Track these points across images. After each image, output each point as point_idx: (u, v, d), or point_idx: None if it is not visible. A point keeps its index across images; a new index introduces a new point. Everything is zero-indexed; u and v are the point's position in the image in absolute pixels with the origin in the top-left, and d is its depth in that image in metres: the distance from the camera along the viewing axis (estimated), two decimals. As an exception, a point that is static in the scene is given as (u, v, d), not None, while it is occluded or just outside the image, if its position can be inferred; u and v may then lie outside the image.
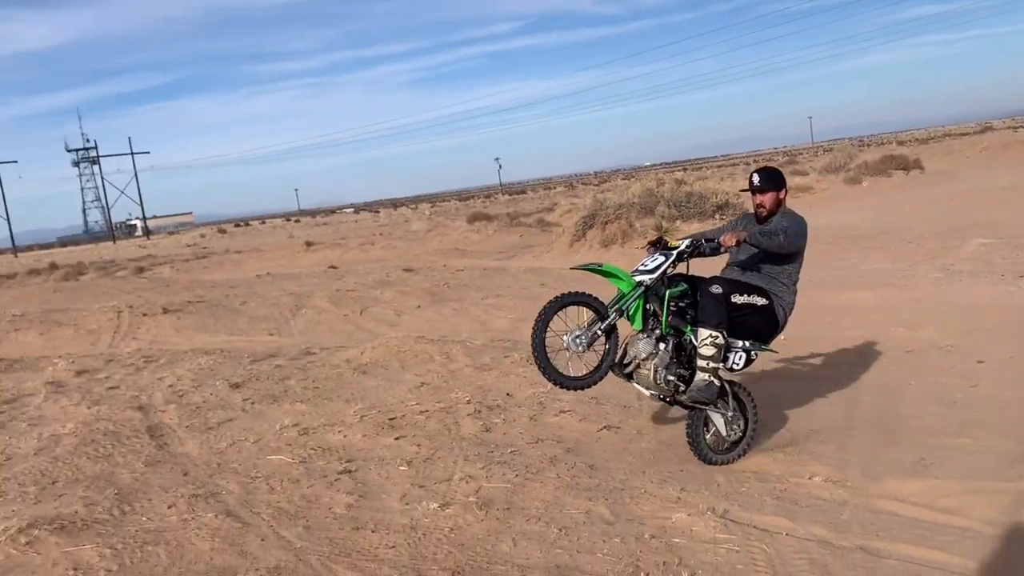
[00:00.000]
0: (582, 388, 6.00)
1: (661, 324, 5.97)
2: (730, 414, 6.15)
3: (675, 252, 6.01)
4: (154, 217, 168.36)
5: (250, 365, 10.42)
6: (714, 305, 5.88)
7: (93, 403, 8.95)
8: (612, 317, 5.87)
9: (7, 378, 11.26)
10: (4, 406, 9.29)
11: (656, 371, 5.94)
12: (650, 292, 5.96)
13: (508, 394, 7.99)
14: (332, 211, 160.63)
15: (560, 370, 5.82)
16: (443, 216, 55.62)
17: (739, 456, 6.19)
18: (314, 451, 6.68)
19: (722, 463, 6.11)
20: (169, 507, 5.70)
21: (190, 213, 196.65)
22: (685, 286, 6.05)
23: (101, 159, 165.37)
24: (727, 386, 6.16)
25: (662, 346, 5.97)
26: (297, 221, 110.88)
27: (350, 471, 6.19)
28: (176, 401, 8.79)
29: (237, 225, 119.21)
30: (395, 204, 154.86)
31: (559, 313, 5.80)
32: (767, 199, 6.47)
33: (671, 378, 5.95)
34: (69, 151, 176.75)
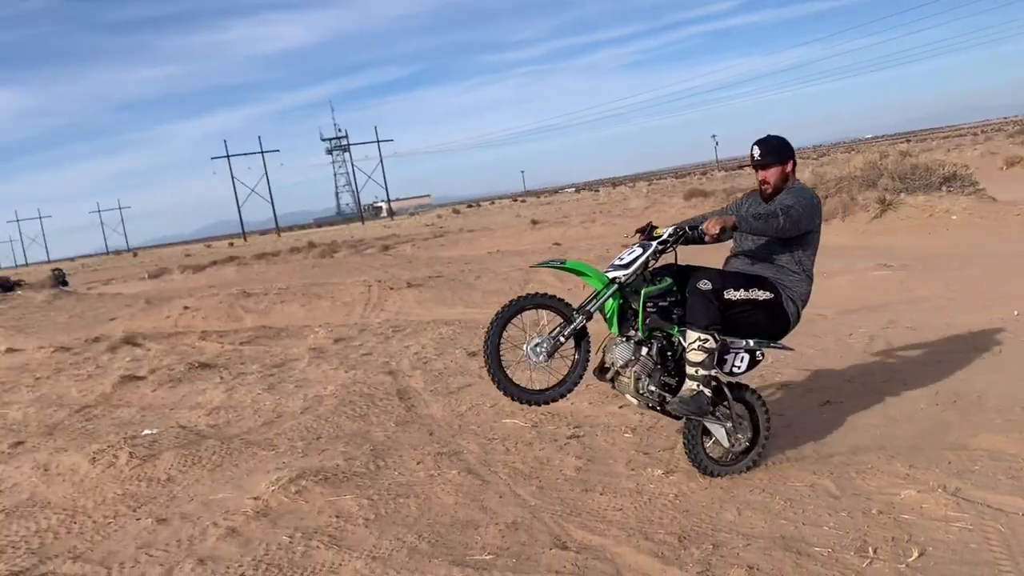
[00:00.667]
0: (546, 402, 5.09)
1: (639, 326, 5.04)
2: (730, 424, 5.19)
3: (654, 243, 5.06)
4: (397, 199, 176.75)
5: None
6: (703, 303, 4.93)
7: (349, 368, 9.49)
8: (578, 321, 4.92)
9: (276, 345, 12.12)
10: (274, 369, 10.01)
11: (638, 380, 5.04)
12: (627, 290, 5.01)
13: (729, 366, 7.80)
14: (555, 191, 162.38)
15: (519, 382, 4.97)
16: (660, 193, 54.86)
17: (749, 467, 5.30)
18: (544, 416, 6.77)
19: (727, 475, 5.26)
20: (417, 463, 5.96)
21: (428, 195, 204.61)
22: (670, 281, 5.08)
23: (351, 147, 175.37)
24: (727, 392, 5.22)
25: (644, 351, 5.04)
26: (523, 201, 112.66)
27: (578, 436, 6.25)
28: (421, 367, 9.17)
29: (470, 206, 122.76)
30: (614, 183, 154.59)
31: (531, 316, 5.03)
32: (771, 174, 5.37)
33: (654, 388, 5.04)
34: (323, 140, 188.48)
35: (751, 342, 5.19)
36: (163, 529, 5.33)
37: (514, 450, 6.09)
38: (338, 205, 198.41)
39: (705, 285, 4.95)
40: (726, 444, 5.21)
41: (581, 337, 5.04)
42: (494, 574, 4.22)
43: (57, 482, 6.45)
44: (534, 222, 38.25)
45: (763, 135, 5.46)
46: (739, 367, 5.19)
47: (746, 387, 5.38)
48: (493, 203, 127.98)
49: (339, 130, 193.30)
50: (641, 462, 5.62)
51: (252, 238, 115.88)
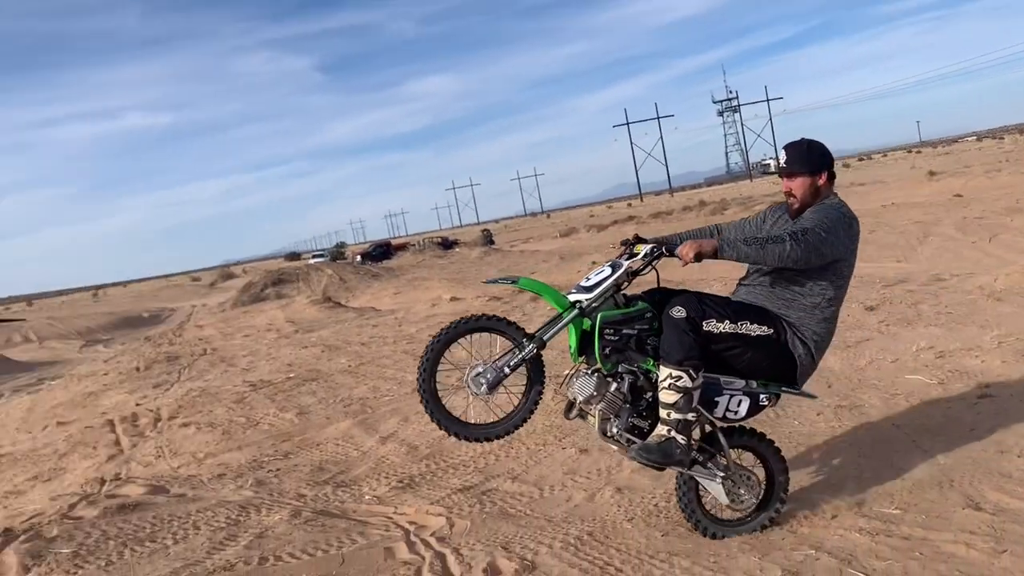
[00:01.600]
0: (488, 439, 4.20)
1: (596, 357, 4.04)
2: (724, 478, 4.11)
3: (625, 263, 4.10)
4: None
5: (882, 290, 10.00)
6: (675, 335, 3.89)
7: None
8: (528, 349, 4.01)
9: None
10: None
11: (604, 420, 4.05)
12: (592, 315, 4.02)
13: None
14: (953, 140, 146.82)
15: (458, 415, 4.13)
16: (1080, 137, 47.33)
17: (760, 527, 4.20)
18: (951, 374, 6.20)
19: (730, 536, 4.19)
20: (817, 414, 5.76)
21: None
22: (643, 306, 4.06)
23: (741, 107, 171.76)
24: (722, 440, 4.15)
25: (612, 386, 4.02)
26: (918, 152, 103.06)
27: (990, 395, 5.63)
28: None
29: (860, 159, 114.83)
30: (1021, 130, 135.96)
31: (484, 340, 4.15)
32: (796, 185, 4.19)
33: (616, 430, 4.03)
34: (715, 103, 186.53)
35: (753, 383, 4.11)
36: (585, 459, 5.66)
37: (919, 407, 5.65)
38: (727, 164, 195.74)
39: (679, 313, 3.91)
40: (724, 501, 4.15)
41: (535, 368, 4.17)
42: (902, 528, 3.97)
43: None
44: (931, 173, 34.91)
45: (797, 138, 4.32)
46: (735, 412, 4.10)
47: (755, 433, 4.28)
48: (885, 155, 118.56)
49: (730, 92, 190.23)
50: (1066, 426, 4.94)
51: (648, 199, 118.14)
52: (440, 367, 4.03)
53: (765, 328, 4.02)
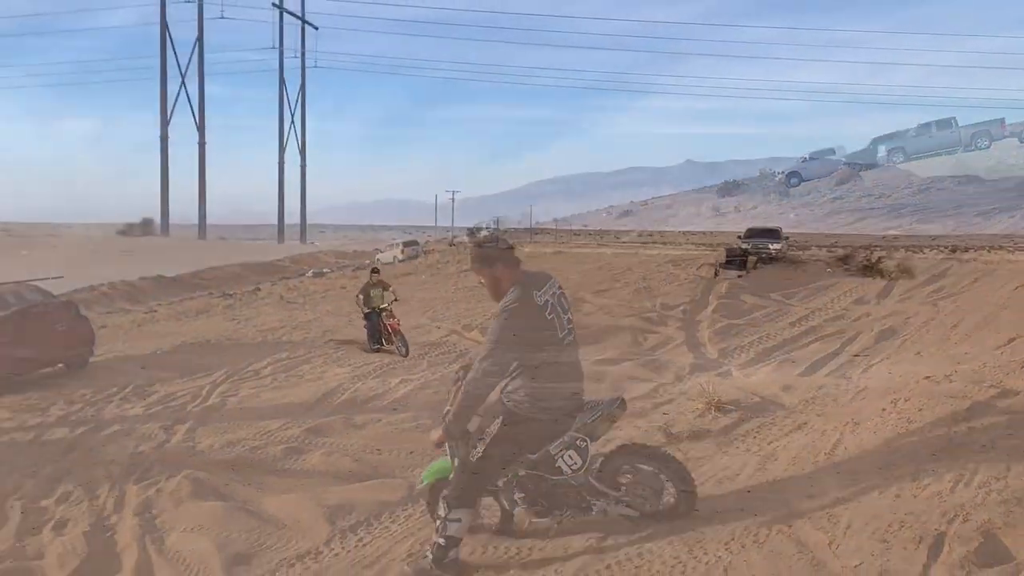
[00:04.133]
0: None
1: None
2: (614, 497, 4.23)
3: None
4: None
5: None
6: (479, 480, 4.15)
7: None
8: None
9: None
10: None
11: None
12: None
13: None
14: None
15: None
16: None
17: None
18: None
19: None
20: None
21: None
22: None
23: None
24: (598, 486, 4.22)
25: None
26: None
27: None
28: None
29: None
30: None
31: None
32: (484, 279, 4.19)
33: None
34: None
35: (566, 436, 4.12)
36: None
37: None
38: None
39: (458, 464, 4.20)
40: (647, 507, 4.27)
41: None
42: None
43: None
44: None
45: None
46: (572, 464, 4.14)
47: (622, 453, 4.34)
48: None
49: None
50: None
51: None
52: None
53: (499, 414, 4.12)
